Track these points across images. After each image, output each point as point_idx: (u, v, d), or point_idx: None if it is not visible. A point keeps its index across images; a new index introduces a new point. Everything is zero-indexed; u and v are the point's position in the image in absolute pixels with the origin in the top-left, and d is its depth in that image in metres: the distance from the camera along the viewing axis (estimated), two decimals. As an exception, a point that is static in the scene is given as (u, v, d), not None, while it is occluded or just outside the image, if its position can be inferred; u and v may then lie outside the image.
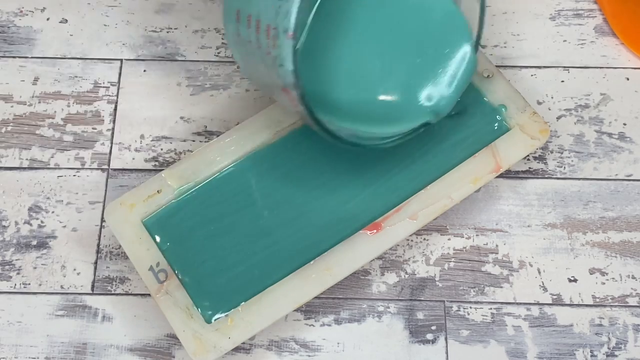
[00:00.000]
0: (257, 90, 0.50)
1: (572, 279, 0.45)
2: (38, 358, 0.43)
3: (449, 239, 0.46)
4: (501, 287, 0.45)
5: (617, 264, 0.45)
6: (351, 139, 0.40)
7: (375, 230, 0.43)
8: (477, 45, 0.42)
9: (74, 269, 0.45)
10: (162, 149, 0.48)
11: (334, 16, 0.42)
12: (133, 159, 0.48)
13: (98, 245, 0.46)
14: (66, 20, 0.53)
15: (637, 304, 0.44)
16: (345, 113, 0.42)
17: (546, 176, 0.48)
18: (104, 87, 0.50)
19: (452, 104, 0.42)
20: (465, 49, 0.42)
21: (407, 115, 0.42)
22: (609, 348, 0.43)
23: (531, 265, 0.45)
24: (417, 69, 0.43)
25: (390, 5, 0.43)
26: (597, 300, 0.45)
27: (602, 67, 0.51)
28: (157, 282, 0.42)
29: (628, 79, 0.50)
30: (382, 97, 0.42)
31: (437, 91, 0.42)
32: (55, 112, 0.50)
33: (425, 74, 0.42)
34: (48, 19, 0.53)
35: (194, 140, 0.49)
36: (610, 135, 0.49)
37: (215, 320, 0.41)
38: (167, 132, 0.49)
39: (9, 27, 0.52)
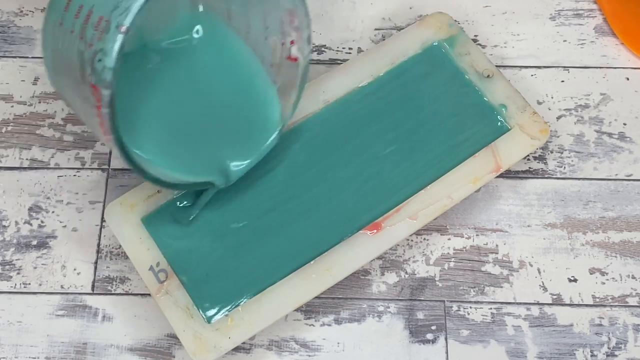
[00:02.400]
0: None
1: (572, 278, 0.45)
2: (38, 358, 0.43)
3: (449, 239, 0.46)
4: (501, 287, 0.45)
5: (617, 264, 0.45)
6: (143, 167, 0.39)
7: (375, 230, 0.43)
8: (283, 127, 0.44)
9: (74, 269, 0.45)
10: (162, 149, 0.48)
11: (163, 66, 0.43)
12: (133, 159, 0.48)
13: (98, 245, 0.46)
14: (66, 20, 0.53)
15: (637, 304, 0.44)
16: (144, 141, 0.42)
17: (546, 176, 0.48)
18: (104, 87, 0.50)
19: (240, 175, 0.43)
20: (272, 135, 0.44)
21: (199, 168, 0.43)
22: (609, 348, 0.43)
23: (531, 265, 0.45)
24: (223, 137, 0.44)
25: (215, 75, 0.44)
26: (597, 300, 0.45)
27: (602, 67, 0.51)
28: (157, 282, 0.42)
29: (628, 79, 0.50)
30: (183, 146, 0.43)
31: (233, 161, 0.43)
32: (55, 112, 0.50)
33: (229, 143, 0.44)
34: (48, 19, 0.53)
35: (194, 140, 0.49)
36: (610, 135, 0.49)
37: (215, 320, 0.41)
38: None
39: (9, 27, 0.52)
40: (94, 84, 0.35)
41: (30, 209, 0.47)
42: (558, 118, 0.49)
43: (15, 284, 0.45)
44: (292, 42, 0.42)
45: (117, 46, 0.34)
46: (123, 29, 0.34)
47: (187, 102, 0.44)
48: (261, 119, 0.44)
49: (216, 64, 0.44)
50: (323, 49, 0.52)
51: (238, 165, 0.43)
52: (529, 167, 0.48)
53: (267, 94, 0.44)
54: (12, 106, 0.50)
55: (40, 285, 0.45)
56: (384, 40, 0.49)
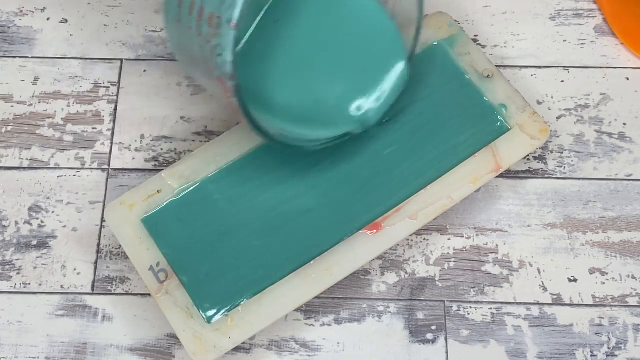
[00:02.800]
0: (257, 90, 0.50)
1: (572, 278, 0.45)
2: (38, 358, 0.43)
3: (449, 239, 0.46)
4: (501, 287, 0.45)
5: (617, 264, 0.45)
6: (279, 138, 0.40)
7: (375, 230, 0.43)
8: (411, 60, 0.44)
9: (74, 269, 0.45)
10: (162, 149, 0.48)
11: (279, 23, 0.43)
12: (133, 158, 0.48)
13: (98, 245, 0.46)
14: (66, 20, 0.53)
15: (637, 304, 0.44)
16: (277, 112, 0.43)
17: (546, 176, 0.48)
18: (104, 87, 0.50)
19: (379, 116, 0.44)
20: (399, 65, 0.44)
21: (334, 121, 0.43)
22: (609, 348, 0.43)
23: (531, 265, 0.45)
24: (350, 79, 0.44)
25: (333, 20, 0.45)
26: (597, 300, 0.45)
27: (602, 67, 0.51)
28: (157, 282, 0.42)
29: (628, 79, 0.50)
30: (314, 102, 0.44)
31: (367, 103, 0.44)
32: (55, 112, 0.50)
33: (358, 85, 0.44)
34: (48, 19, 0.53)
35: (194, 140, 0.49)
36: (610, 135, 0.49)
37: (215, 320, 0.41)
38: (167, 132, 0.49)
39: (9, 27, 0.52)
40: (219, 76, 0.36)
41: (30, 209, 0.47)
42: (558, 118, 0.49)
43: (15, 284, 0.45)
44: None
45: (231, 42, 0.35)
46: (233, 24, 0.35)
47: (311, 55, 0.44)
48: (386, 56, 0.44)
49: (330, 7, 0.44)
50: (323, 49, 0.52)
51: (372, 108, 0.43)
52: (529, 167, 0.48)
53: (388, 29, 0.44)
54: (12, 106, 0.50)
55: (40, 285, 0.45)
56: (384, 40, 0.49)
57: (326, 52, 0.44)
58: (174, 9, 0.38)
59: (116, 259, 0.46)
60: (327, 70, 0.44)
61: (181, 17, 0.37)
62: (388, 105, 0.44)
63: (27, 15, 0.53)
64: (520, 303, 0.44)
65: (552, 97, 0.50)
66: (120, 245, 0.46)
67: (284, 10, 0.44)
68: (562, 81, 0.50)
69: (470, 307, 0.44)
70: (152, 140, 0.49)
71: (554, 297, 0.45)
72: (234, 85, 0.36)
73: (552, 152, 0.48)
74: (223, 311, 0.41)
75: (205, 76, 0.38)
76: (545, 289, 0.45)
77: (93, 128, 0.49)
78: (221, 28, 0.35)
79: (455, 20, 0.51)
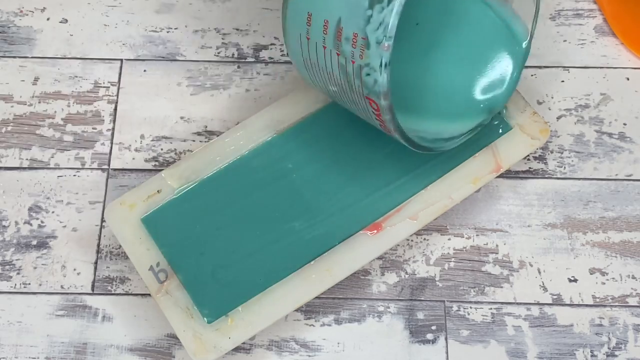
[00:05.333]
0: (257, 90, 0.50)
1: (572, 279, 0.45)
2: (38, 358, 0.43)
3: (449, 239, 0.46)
4: (501, 287, 0.45)
5: (617, 264, 0.45)
6: (421, 143, 0.40)
7: (375, 231, 0.43)
8: (530, 39, 0.45)
9: (74, 269, 0.45)
10: (162, 149, 0.48)
11: (403, 28, 0.44)
12: (133, 159, 0.48)
13: (98, 245, 0.46)
14: (66, 20, 0.53)
15: (637, 304, 0.44)
16: (416, 116, 0.43)
17: (546, 176, 0.48)
18: (104, 87, 0.50)
19: (506, 100, 0.45)
20: (516, 48, 0.45)
21: (467, 113, 0.44)
22: (609, 348, 0.43)
23: (531, 265, 0.45)
24: (475, 71, 0.45)
25: (450, 18, 0.45)
26: (597, 300, 0.45)
27: (602, 67, 0.51)
28: (157, 282, 0.42)
29: (628, 79, 0.50)
30: (445, 99, 0.44)
31: (491, 90, 0.44)
32: (55, 112, 0.50)
33: (481, 75, 0.45)
34: (48, 19, 0.53)
35: (194, 140, 0.49)
36: (610, 135, 0.49)
37: (215, 320, 0.41)
38: (167, 132, 0.49)
39: (9, 27, 0.52)
40: (367, 95, 0.36)
41: (30, 209, 0.47)
42: (558, 118, 0.49)
43: (15, 284, 0.45)
44: None
45: (383, 63, 0.34)
46: (386, 46, 0.34)
47: (444, 52, 0.45)
48: (504, 40, 0.45)
49: (447, 8, 0.45)
50: (323, 49, 0.52)
51: (497, 93, 0.44)
52: (529, 167, 0.48)
53: (502, 15, 0.45)
54: (12, 106, 0.50)
55: (40, 285, 0.45)
56: (384, 40, 0.49)
57: (449, 51, 0.45)
58: (300, 25, 0.37)
59: (116, 259, 0.46)
60: (454, 67, 0.45)
61: (310, 34, 0.37)
62: (513, 88, 0.45)
63: (27, 15, 0.53)
64: (520, 303, 0.44)
65: (552, 97, 0.50)
66: (120, 245, 0.46)
67: (409, 16, 0.44)
68: (562, 81, 0.50)
69: (471, 307, 0.44)
70: (152, 140, 0.49)
71: (554, 297, 0.45)
72: (387, 104, 0.36)
73: (552, 152, 0.48)
74: (223, 311, 0.41)
75: (341, 92, 0.38)
76: (545, 289, 0.45)
77: (93, 128, 0.49)
78: (369, 49, 0.35)
79: (456, 20, 0.51)
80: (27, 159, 0.48)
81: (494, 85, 0.44)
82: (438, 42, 0.45)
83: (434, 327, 0.44)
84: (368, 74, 0.35)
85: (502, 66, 0.45)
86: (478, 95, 0.45)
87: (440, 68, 0.45)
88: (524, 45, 0.44)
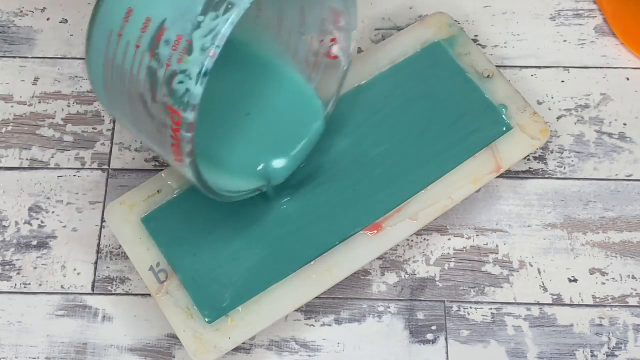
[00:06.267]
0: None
1: (572, 279, 0.45)
2: (38, 358, 0.43)
3: (449, 239, 0.46)
4: (501, 287, 0.45)
5: (617, 264, 0.45)
6: (206, 180, 0.39)
7: (375, 231, 0.43)
8: (325, 119, 0.44)
9: (74, 269, 0.45)
10: (162, 149, 0.48)
11: (217, 78, 0.42)
12: (133, 158, 0.48)
13: (98, 245, 0.46)
14: (66, 20, 0.53)
15: (637, 304, 0.44)
16: (205, 161, 0.41)
17: (546, 176, 0.48)
18: (104, 87, 0.50)
19: (284, 175, 0.44)
20: (313, 125, 0.44)
21: (245, 176, 0.43)
22: (609, 348, 0.43)
23: (531, 265, 0.45)
24: (264, 139, 0.44)
25: (256, 84, 0.45)
26: (597, 300, 0.45)
27: (602, 67, 0.51)
28: (157, 282, 0.42)
29: (628, 79, 0.50)
30: (234, 158, 0.43)
31: (272, 162, 0.43)
32: (55, 112, 0.50)
33: (269, 144, 0.44)
34: (48, 19, 0.53)
35: (194, 140, 0.49)
36: (610, 135, 0.49)
37: (215, 320, 0.41)
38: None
39: (9, 27, 0.52)
40: (171, 105, 0.34)
41: (30, 209, 0.47)
42: (558, 118, 0.49)
43: (15, 284, 0.45)
44: (332, 40, 0.41)
45: (202, 70, 0.33)
46: (212, 53, 0.32)
47: (231, 110, 0.44)
48: (299, 118, 0.44)
49: (259, 74, 0.44)
50: (323, 49, 0.52)
51: (281, 167, 0.43)
52: (529, 167, 0.48)
53: (303, 92, 0.44)
54: (12, 106, 0.50)
55: (40, 285, 0.45)
56: (384, 40, 0.49)
57: (253, 114, 0.44)
58: (114, 20, 0.35)
59: (116, 259, 0.46)
60: (248, 132, 0.44)
61: (123, 31, 0.35)
62: (294, 165, 0.44)
63: (27, 15, 0.53)
64: (520, 303, 0.44)
65: (552, 97, 0.50)
66: (120, 245, 0.46)
67: (223, 68, 0.42)
68: (562, 81, 0.50)
69: (470, 307, 0.44)
70: (152, 140, 0.49)
71: (554, 297, 0.45)
72: (193, 117, 0.34)
73: (552, 152, 0.48)
74: (223, 311, 0.41)
75: (139, 102, 0.35)
76: (545, 289, 0.45)
77: (93, 128, 0.49)
78: (191, 54, 0.33)
79: (455, 20, 0.51)
80: (27, 159, 0.48)
81: (275, 158, 0.44)
82: (247, 99, 0.44)
83: (434, 327, 0.44)
84: (181, 82, 0.33)
85: (292, 141, 0.44)
86: (261, 160, 0.43)
87: (239, 120, 0.44)
88: (317, 124, 0.44)
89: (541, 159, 0.48)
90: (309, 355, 0.43)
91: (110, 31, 0.35)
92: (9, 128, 0.49)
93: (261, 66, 0.44)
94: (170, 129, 0.34)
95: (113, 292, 0.45)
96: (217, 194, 0.39)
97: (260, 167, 0.43)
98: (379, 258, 0.45)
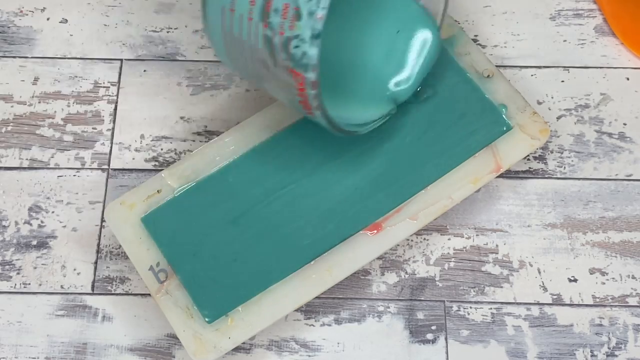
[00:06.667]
0: (257, 90, 0.50)
1: (572, 279, 0.45)
2: (38, 358, 0.43)
3: (449, 239, 0.46)
4: (501, 287, 0.45)
5: (617, 264, 0.45)
6: (340, 123, 0.40)
7: (375, 231, 0.43)
8: (439, 31, 0.46)
9: (74, 269, 0.45)
10: (162, 149, 0.48)
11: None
12: (133, 158, 0.48)
13: (98, 245, 0.46)
14: (66, 20, 0.53)
15: (637, 304, 0.44)
16: (332, 97, 0.43)
17: (546, 176, 0.48)
18: (104, 87, 0.50)
19: (410, 91, 0.45)
20: (426, 40, 0.45)
21: (376, 100, 0.45)
22: (609, 348, 0.43)
23: (531, 265, 0.45)
24: (386, 60, 0.46)
25: (370, 9, 0.46)
26: (597, 300, 0.45)
27: (602, 67, 0.51)
28: (157, 282, 0.42)
29: (628, 79, 0.50)
30: (357, 86, 0.45)
31: (397, 81, 0.45)
32: (55, 112, 0.50)
33: (393, 64, 0.46)
34: (48, 19, 0.53)
35: (194, 140, 0.49)
36: (610, 135, 0.49)
37: (215, 320, 0.41)
38: (167, 132, 0.49)
39: (9, 27, 0.52)
40: (292, 68, 0.36)
41: (30, 209, 0.47)
42: (558, 118, 0.49)
43: (15, 284, 0.45)
44: None
45: (314, 34, 0.35)
46: (319, 16, 0.34)
47: (357, 39, 0.46)
48: (413, 34, 0.46)
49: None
50: (323, 49, 0.52)
51: (405, 84, 0.45)
52: (529, 167, 0.48)
53: (411, 7, 0.45)
54: (12, 106, 0.50)
55: (40, 285, 0.45)
56: (384, 40, 0.49)
57: (363, 39, 0.46)
58: None
59: (116, 259, 0.46)
60: (371, 52, 0.46)
61: (235, 6, 0.37)
62: (418, 81, 0.45)
63: (27, 15, 0.53)
64: (520, 303, 0.44)
65: (552, 97, 0.50)
66: (120, 245, 0.46)
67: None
68: (562, 81, 0.50)
69: (470, 307, 0.44)
70: (152, 140, 0.49)
71: (554, 297, 0.45)
72: (315, 76, 0.36)
73: (552, 152, 0.48)
74: (223, 311, 0.41)
75: (262, 67, 0.38)
76: (545, 289, 0.45)
77: (93, 128, 0.49)
78: (300, 20, 0.35)
79: (455, 20, 0.51)
80: (27, 159, 0.48)
81: (400, 76, 0.45)
82: (360, 27, 0.46)
83: (434, 327, 0.44)
84: (297, 46, 0.35)
85: (410, 58, 0.45)
86: (387, 84, 0.45)
87: (359, 52, 0.46)
88: (429, 38, 0.45)
89: (541, 159, 0.48)
90: (309, 355, 0.43)
91: (223, 7, 0.38)
92: (9, 128, 0.49)
93: None
94: (296, 89, 0.37)
95: (113, 292, 0.45)
96: (350, 132, 0.41)
97: (388, 89, 0.45)
98: (379, 258, 0.45)
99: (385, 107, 0.45)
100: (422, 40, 0.45)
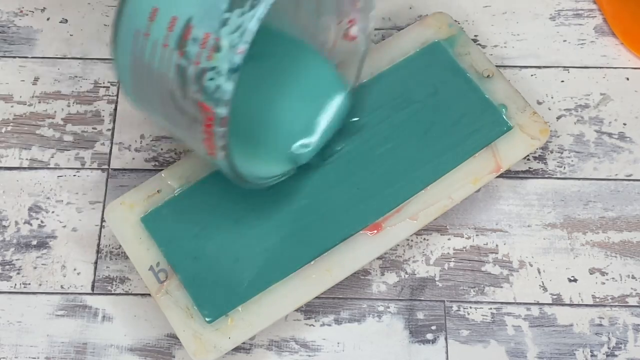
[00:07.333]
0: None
1: (572, 278, 0.45)
2: (38, 358, 0.43)
3: (449, 239, 0.46)
4: (501, 287, 0.45)
5: (617, 264, 0.45)
6: (238, 171, 0.39)
7: (375, 231, 0.43)
8: (349, 96, 0.45)
9: (74, 269, 0.45)
10: (162, 149, 0.48)
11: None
12: (133, 159, 0.48)
13: (98, 245, 0.46)
14: (66, 20, 0.53)
15: (637, 304, 0.44)
16: (236, 147, 0.41)
17: (546, 176, 0.48)
18: (104, 87, 0.50)
19: (311, 155, 0.44)
20: (336, 103, 0.44)
21: (276, 159, 0.43)
22: (609, 348, 0.43)
23: (531, 265, 0.45)
24: (294, 120, 0.44)
25: (279, 67, 0.45)
26: (597, 300, 0.45)
27: (602, 67, 0.51)
28: (157, 282, 0.42)
29: (628, 79, 0.50)
30: (261, 141, 0.44)
31: (299, 143, 0.44)
32: (55, 112, 0.50)
33: (299, 126, 0.44)
34: (48, 19, 0.53)
35: (194, 140, 0.49)
36: (610, 135, 0.49)
37: (215, 320, 0.41)
38: (167, 132, 0.49)
39: (9, 27, 0.52)
40: (203, 101, 0.34)
41: (30, 209, 0.47)
42: (558, 118, 0.49)
43: (15, 284, 0.45)
44: (350, 22, 0.41)
45: (232, 68, 0.33)
46: (240, 49, 0.33)
47: (269, 97, 0.44)
48: (323, 97, 0.45)
49: (280, 55, 0.45)
50: (323, 49, 0.52)
51: (307, 148, 0.44)
52: (529, 167, 0.48)
53: (326, 72, 0.45)
54: (12, 106, 0.50)
55: (40, 285, 0.45)
56: (384, 40, 0.49)
57: (275, 96, 0.45)
58: (139, 20, 0.35)
59: (116, 259, 0.46)
60: (276, 113, 0.44)
61: (150, 30, 0.35)
62: (320, 146, 0.44)
63: (27, 15, 0.53)
64: (520, 303, 0.44)
65: (552, 97, 0.50)
66: (120, 245, 0.46)
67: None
68: (562, 81, 0.50)
69: (470, 307, 0.44)
70: (152, 140, 0.49)
71: (554, 297, 0.45)
72: (225, 112, 0.34)
73: (552, 152, 0.48)
74: (223, 311, 0.41)
75: (169, 99, 0.36)
76: (545, 289, 0.45)
77: (93, 128, 0.49)
78: (219, 52, 0.33)
79: (455, 20, 0.51)
80: (27, 159, 0.48)
81: (306, 141, 0.44)
82: (273, 84, 0.45)
83: (434, 327, 0.44)
84: (211, 79, 0.34)
85: (319, 121, 0.44)
86: (290, 144, 0.44)
87: (268, 109, 0.44)
88: (338, 101, 0.44)
89: (541, 159, 0.48)
90: (309, 355, 0.43)
91: (137, 31, 0.36)
92: (9, 128, 0.49)
93: (282, 47, 0.45)
94: (203, 125, 0.35)
95: (113, 292, 0.45)
96: (249, 183, 0.39)
97: (290, 150, 0.44)
98: (379, 258, 0.45)
99: (285, 166, 0.43)
100: (331, 105, 0.44)
